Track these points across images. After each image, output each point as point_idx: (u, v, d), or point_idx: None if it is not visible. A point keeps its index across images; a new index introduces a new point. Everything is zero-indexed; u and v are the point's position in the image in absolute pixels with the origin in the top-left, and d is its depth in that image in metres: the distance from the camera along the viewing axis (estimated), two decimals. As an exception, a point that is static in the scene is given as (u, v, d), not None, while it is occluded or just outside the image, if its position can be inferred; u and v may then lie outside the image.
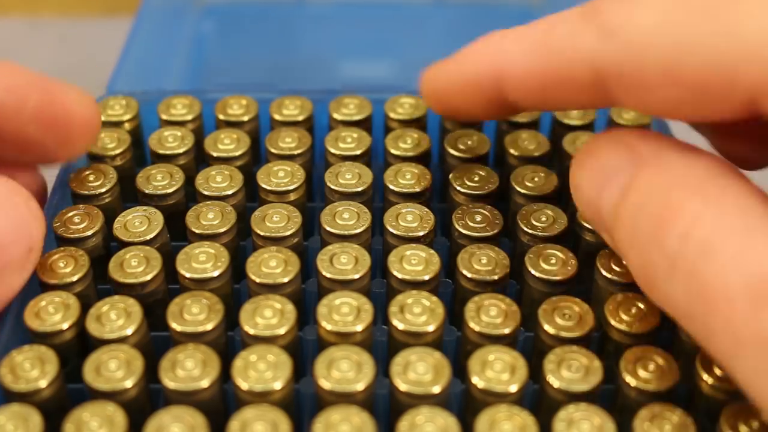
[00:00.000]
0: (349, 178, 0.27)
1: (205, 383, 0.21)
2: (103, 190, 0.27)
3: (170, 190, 0.27)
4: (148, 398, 0.22)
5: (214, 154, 0.29)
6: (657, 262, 0.19)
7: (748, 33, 0.18)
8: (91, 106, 0.26)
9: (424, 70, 0.26)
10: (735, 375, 0.18)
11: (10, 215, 0.23)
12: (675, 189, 0.19)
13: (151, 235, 0.25)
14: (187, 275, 0.24)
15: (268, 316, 0.23)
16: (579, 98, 0.22)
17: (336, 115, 0.31)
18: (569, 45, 0.21)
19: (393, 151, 0.29)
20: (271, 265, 0.24)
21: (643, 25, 0.19)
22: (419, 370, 0.21)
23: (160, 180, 0.27)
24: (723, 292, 0.17)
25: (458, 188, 0.27)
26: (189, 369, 0.21)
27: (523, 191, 0.28)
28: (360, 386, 0.21)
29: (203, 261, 0.24)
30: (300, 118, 0.31)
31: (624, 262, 0.24)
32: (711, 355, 0.19)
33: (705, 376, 0.22)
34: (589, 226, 0.26)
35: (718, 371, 0.22)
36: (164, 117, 0.30)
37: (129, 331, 0.23)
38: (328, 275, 0.24)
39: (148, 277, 0.24)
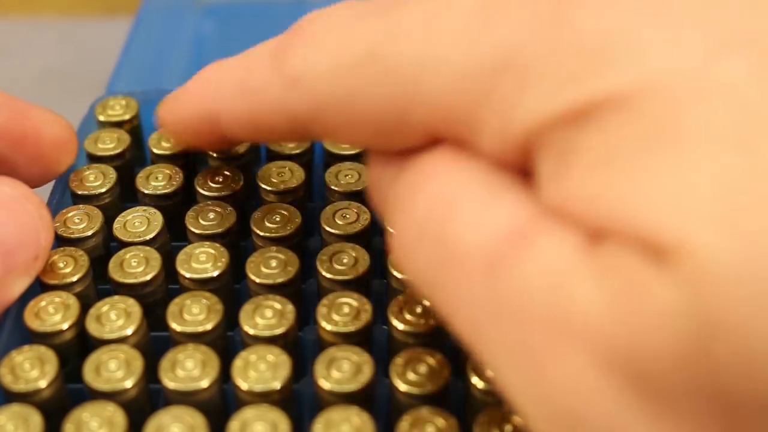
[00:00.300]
0: (349, 178, 0.27)
1: (204, 383, 0.21)
2: (103, 190, 0.27)
3: (170, 190, 0.27)
4: (148, 398, 0.22)
5: (215, 155, 0.29)
6: (408, 228, 0.19)
7: (406, 75, 0.18)
8: (63, 127, 0.27)
9: (161, 103, 0.26)
10: (480, 356, 0.17)
11: (21, 221, 0.23)
12: (427, 158, 0.19)
13: (151, 235, 0.25)
14: (187, 275, 0.24)
15: (267, 317, 0.23)
16: (289, 136, 0.24)
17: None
18: (262, 92, 0.21)
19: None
20: (271, 266, 0.24)
21: (319, 72, 0.20)
22: (419, 371, 0.21)
23: (160, 180, 0.27)
24: (462, 256, 0.17)
25: None
26: (189, 369, 0.21)
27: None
28: (360, 386, 0.21)
29: (203, 261, 0.24)
30: None
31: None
32: (457, 333, 0.18)
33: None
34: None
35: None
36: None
37: (129, 332, 0.23)
38: (328, 275, 0.24)
39: (148, 277, 0.24)
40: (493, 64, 0.17)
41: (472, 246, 0.17)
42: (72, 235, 0.25)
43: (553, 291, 0.16)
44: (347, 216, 0.26)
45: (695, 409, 0.15)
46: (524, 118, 0.17)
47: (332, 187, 0.27)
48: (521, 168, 0.18)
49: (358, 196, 0.27)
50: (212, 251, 0.25)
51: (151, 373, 0.22)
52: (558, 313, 0.15)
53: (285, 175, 0.27)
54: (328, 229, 0.26)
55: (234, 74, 0.22)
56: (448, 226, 0.18)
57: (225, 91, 0.23)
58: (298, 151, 0.29)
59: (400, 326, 0.23)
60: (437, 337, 0.23)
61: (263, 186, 0.27)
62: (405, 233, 0.19)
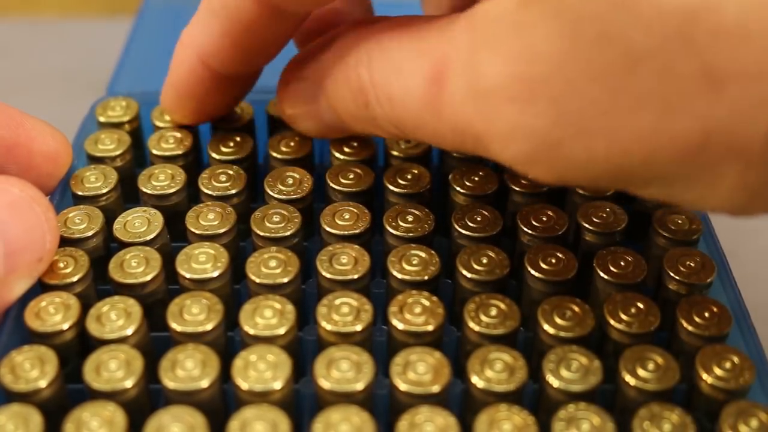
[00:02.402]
0: (349, 178, 0.27)
1: (204, 383, 0.21)
2: (103, 191, 0.27)
3: (171, 191, 0.27)
4: (148, 398, 0.22)
5: (216, 156, 0.29)
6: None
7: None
8: (58, 140, 0.27)
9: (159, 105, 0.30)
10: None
11: (27, 223, 0.23)
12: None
13: (151, 236, 0.25)
14: (187, 276, 0.24)
15: (267, 317, 0.23)
16: (267, 25, 0.25)
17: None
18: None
19: (393, 152, 0.29)
20: (271, 266, 0.24)
21: None
22: (419, 370, 0.21)
23: (162, 180, 0.27)
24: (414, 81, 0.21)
25: (457, 189, 0.27)
26: (189, 369, 0.21)
27: (522, 191, 0.28)
28: (360, 386, 0.21)
29: (203, 261, 0.24)
30: None
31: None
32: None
33: (704, 376, 0.22)
34: (589, 227, 0.26)
35: (717, 371, 0.22)
36: (159, 123, 0.30)
37: (129, 332, 0.23)
38: (328, 275, 0.24)
39: (148, 278, 0.24)
40: None
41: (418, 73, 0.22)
42: (72, 236, 0.25)
43: None
44: (347, 216, 0.26)
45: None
46: None
47: (333, 187, 0.27)
48: None
49: (358, 197, 0.27)
50: (212, 251, 0.25)
51: (151, 373, 0.22)
52: None
53: (293, 183, 0.27)
54: (328, 229, 0.26)
55: (197, 17, 0.26)
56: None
57: (195, 31, 0.26)
58: (299, 155, 0.29)
59: (400, 326, 0.23)
60: (437, 337, 0.23)
61: (270, 192, 0.27)
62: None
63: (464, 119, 0.20)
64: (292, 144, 0.29)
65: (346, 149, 0.29)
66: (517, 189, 0.28)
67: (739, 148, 0.17)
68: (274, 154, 0.29)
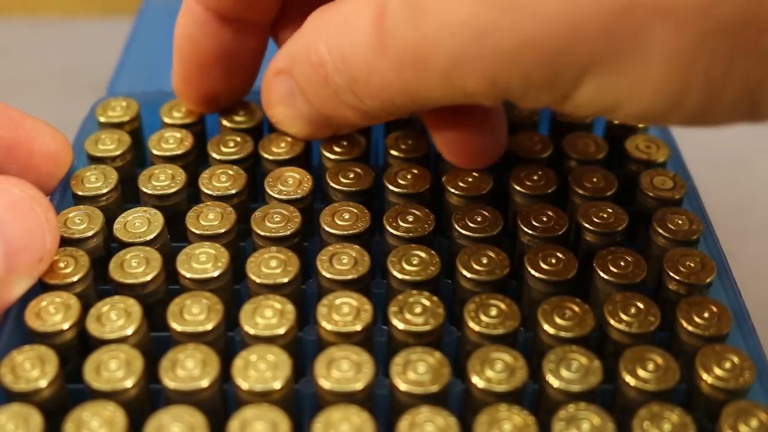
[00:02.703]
0: (349, 178, 0.27)
1: (205, 383, 0.21)
2: (103, 191, 0.27)
3: (171, 191, 0.27)
4: (148, 398, 0.22)
5: (216, 156, 0.29)
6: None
7: None
8: (58, 140, 0.27)
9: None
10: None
11: (27, 223, 0.23)
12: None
13: (152, 236, 0.25)
14: (188, 275, 0.24)
15: (268, 316, 0.23)
16: None
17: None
18: None
19: (393, 152, 0.29)
20: (271, 266, 0.24)
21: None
22: (419, 370, 0.21)
23: (162, 180, 0.27)
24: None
25: (451, 190, 0.27)
26: (189, 369, 0.21)
27: (523, 191, 0.28)
28: (360, 386, 0.21)
29: (203, 261, 0.24)
30: None
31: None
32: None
33: (704, 376, 0.22)
34: (590, 227, 0.26)
35: (717, 371, 0.22)
36: (167, 120, 0.30)
37: (129, 331, 0.23)
38: (328, 275, 0.24)
39: (149, 278, 0.24)
40: None
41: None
42: (73, 236, 0.25)
43: None
44: (347, 216, 0.26)
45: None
46: None
47: (334, 187, 0.27)
48: None
49: (358, 197, 0.27)
50: (212, 251, 0.25)
51: (151, 373, 0.22)
52: None
53: (293, 182, 0.27)
54: (328, 229, 0.26)
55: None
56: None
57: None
58: (290, 155, 0.29)
59: (400, 326, 0.23)
60: (437, 337, 0.23)
61: (270, 193, 0.27)
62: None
63: (404, 42, 0.21)
64: (282, 145, 0.29)
65: (337, 148, 0.29)
66: (517, 189, 0.28)
67: (665, 6, 0.17)
68: (266, 156, 0.29)
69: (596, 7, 0.18)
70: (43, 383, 0.21)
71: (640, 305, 0.24)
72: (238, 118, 0.30)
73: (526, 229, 0.26)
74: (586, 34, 0.18)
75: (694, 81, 0.18)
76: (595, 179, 0.28)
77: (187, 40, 0.28)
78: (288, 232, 0.25)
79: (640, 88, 0.19)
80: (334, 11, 0.23)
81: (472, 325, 0.23)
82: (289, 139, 0.29)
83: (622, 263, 0.25)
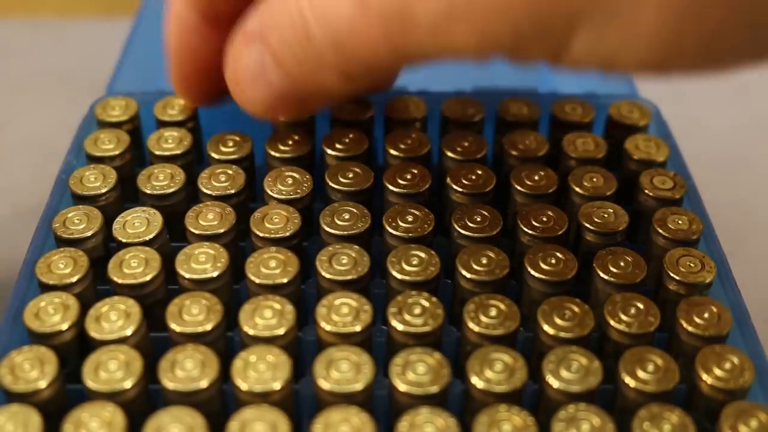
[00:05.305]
0: (349, 178, 0.27)
1: (204, 384, 0.21)
2: (102, 191, 0.27)
3: (170, 191, 0.27)
4: (148, 399, 0.22)
5: (216, 156, 0.29)
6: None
7: None
8: None
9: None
10: None
11: None
12: None
13: (151, 236, 0.25)
14: (187, 276, 0.24)
15: (267, 317, 0.23)
16: None
17: (337, 115, 0.31)
18: None
19: (393, 152, 0.29)
20: (271, 266, 0.24)
21: None
22: (418, 371, 0.21)
23: (161, 180, 0.27)
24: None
25: (455, 188, 0.27)
26: (188, 369, 0.21)
27: (523, 191, 0.28)
28: (359, 387, 0.21)
29: (203, 262, 0.24)
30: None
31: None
32: None
33: (704, 377, 0.22)
34: (590, 227, 0.26)
35: (717, 371, 0.22)
36: (161, 117, 0.30)
37: (128, 332, 0.23)
38: (328, 276, 0.24)
39: (148, 278, 0.24)
40: None
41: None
42: (72, 236, 0.25)
43: None
44: (347, 216, 0.26)
45: None
46: None
47: (333, 187, 0.27)
48: None
49: (358, 196, 0.27)
50: (212, 252, 0.25)
51: (150, 374, 0.22)
52: None
53: (293, 183, 0.27)
54: (327, 229, 0.26)
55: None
56: None
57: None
58: (297, 154, 0.29)
59: (400, 327, 0.23)
60: (437, 338, 0.23)
61: (269, 192, 0.27)
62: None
63: None
64: (290, 143, 0.29)
65: (339, 146, 0.29)
66: (517, 188, 0.28)
67: None
68: (272, 153, 0.29)
69: None
70: (42, 384, 0.21)
71: (640, 306, 0.24)
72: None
73: (525, 229, 0.26)
74: None
75: (689, 26, 0.18)
76: (595, 179, 0.28)
77: (181, 47, 0.28)
78: (287, 234, 0.25)
79: (633, 38, 0.18)
80: None
81: (471, 325, 0.23)
82: (296, 137, 0.29)
83: (622, 263, 0.25)
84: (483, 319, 0.23)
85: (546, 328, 0.23)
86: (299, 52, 0.23)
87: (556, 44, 0.19)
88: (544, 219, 0.26)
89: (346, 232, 0.26)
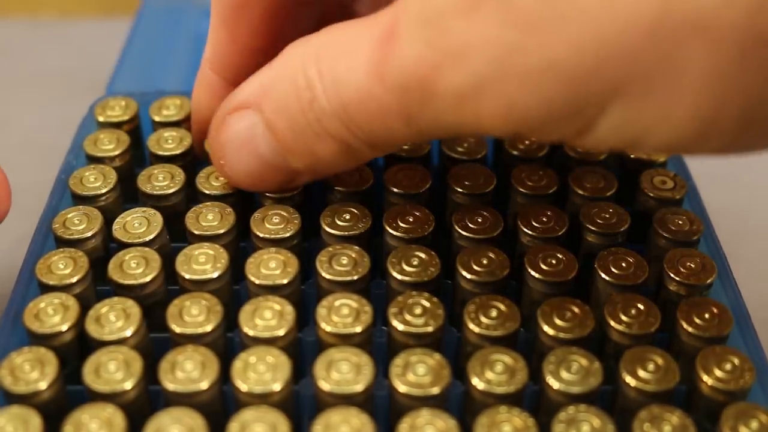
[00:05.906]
0: (349, 179, 0.27)
1: (204, 385, 0.21)
2: (102, 191, 0.27)
3: (170, 191, 0.27)
4: (148, 400, 0.22)
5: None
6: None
7: None
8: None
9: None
10: None
11: None
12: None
13: (151, 237, 0.25)
14: (187, 276, 0.24)
15: (267, 318, 0.23)
16: None
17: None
18: None
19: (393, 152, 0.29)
20: (271, 267, 0.24)
21: None
22: (419, 372, 0.21)
23: (161, 180, 0.27)
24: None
25: (455, 188, 0.27)
26: (188, 370, 0.21)
27: (523, 191, 0.27)
28: (359, 388, 0.21)
29: (203, 262, 0.24)
30: None
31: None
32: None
33: (705, 377, 0.22)
34: (592, 227, 0.26)
35: (718, 372, 0.22)
36: (156, 118, 0.30)
37: (128, 333, 0.23)
38: (328, 276, 0.24)
39: (148, 279, 0.24)
40: None
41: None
42: (71, 236, 0.25)
43: None
44: (347, 217, 0.26)
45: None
46: None
47: (332, 188, 0.27)
48: None
49: (358, 197, 0.27)
50: (212, 252, 0.25)
51: (150, 375, 0.22)
52: None
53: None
54: (328, 230, 0.26)
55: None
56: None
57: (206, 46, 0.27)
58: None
59: (400, 327, 0.23)
60: (437, 338, 0.23)
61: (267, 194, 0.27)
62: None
63: (414, 62, 0.19)
64: None
65: None
66: (517, 189, 0.28)
67: (701, 21, 0.16)
68: None
69: (626, 26, 0.16)
70: (42, 385, 0.21)
71: (641, 306, 0.24)
72: None
73: (526, 230, 0.26)
74: (616, 55, 0.17)
75: (732, 100, 0.17)
76: (595, 179, 0.28)
77: (206, 110, 0.27)
78: (287, 234, 0.25)
79: (672, 113, 0.17)
80: (327, 38, 0.22)
81: (471, 326, 0.23)
82: None
83: (624, 264, 0.25)
84: (483, 319, 0.23)
85: (546, 328, 0.23)
86: (298, 117, 0.22)
87: (586, 122, 0.18)
88: (544, 220, 0.26)
89: (346, 233, 0.26)
